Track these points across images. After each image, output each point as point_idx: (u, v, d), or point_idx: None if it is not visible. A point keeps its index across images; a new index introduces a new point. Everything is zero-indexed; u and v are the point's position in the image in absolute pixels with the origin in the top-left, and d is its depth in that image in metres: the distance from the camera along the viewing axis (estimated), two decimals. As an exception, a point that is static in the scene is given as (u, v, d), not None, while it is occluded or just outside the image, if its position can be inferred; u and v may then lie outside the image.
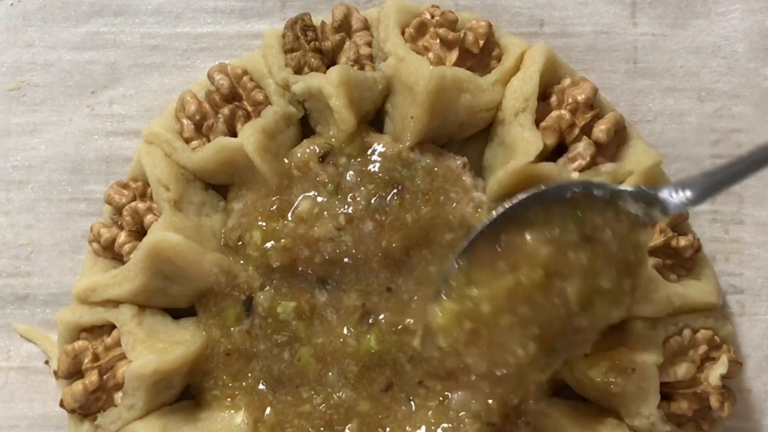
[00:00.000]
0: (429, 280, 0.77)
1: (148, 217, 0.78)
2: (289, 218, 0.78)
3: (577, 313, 0.67)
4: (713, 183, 0.66)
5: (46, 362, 0.83)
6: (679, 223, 0.79)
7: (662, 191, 0.68)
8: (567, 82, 0.79)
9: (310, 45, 0.79)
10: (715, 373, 0.75)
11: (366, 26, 0.81)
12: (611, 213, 0.68)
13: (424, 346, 0.72)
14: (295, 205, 0.78)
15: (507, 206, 0.69)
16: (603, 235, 0.67)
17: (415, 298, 0.77)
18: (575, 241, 0.67)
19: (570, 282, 0.67)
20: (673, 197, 0.67)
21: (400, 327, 0.77)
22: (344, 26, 0.80)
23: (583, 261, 0.67)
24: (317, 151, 0.79)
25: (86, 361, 0.77)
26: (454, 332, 0.69)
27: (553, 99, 0.79)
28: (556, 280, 0.67)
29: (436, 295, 0.70)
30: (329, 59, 0.80)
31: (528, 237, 0.67)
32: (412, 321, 0.77)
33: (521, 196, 0.69)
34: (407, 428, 0.78)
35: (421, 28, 0.80)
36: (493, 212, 0.69)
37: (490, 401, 0.76)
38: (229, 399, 0.78)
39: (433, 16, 0.80)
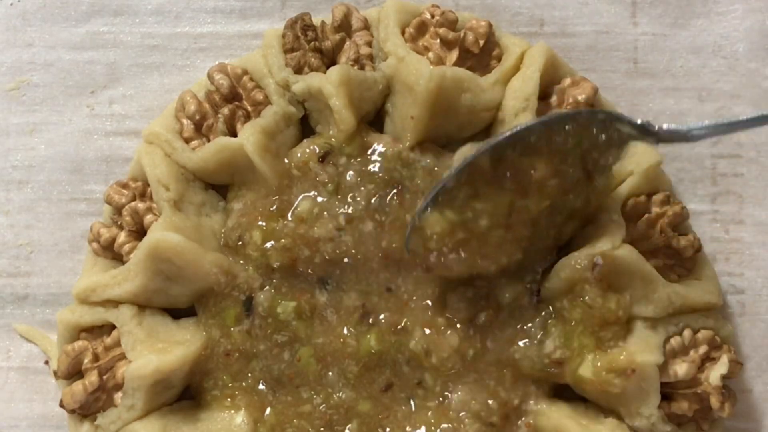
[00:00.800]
0: (428, 281, 0.77)
1: (148, 217, 0.78)
2: (289, 218, 0.78)
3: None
4: (715, 128, 0.69)
5: (46, 362, 0.83)
6: (680, 223, 0.79)
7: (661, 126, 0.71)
8: (567, 81, 0.79)
9: (310, 45, 0.79)
10: (716, 373, 0.74)
11: (366, 26, 0.81)
12: (606, 136, 0.72)
13: (411, 240, 0.75)
14: (295, 205, 0.78)
15: (514, 130, 0.70)
16: (600, 177, 0.72)
17: (414, 298, 0.77)
18: (578, 179, 0.71)
19: (567, 221, 0.74)
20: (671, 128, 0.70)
21: (399, 327, 0.77)
22: (344, 26, 0.80)
23: (577, 204, 0.73)
24: (317, 151, 0.79)
25: (86, 361, 0.77)
26: (447, 240, 0.72)
27: (554, 99, 0.79)
28: (556, 215, 0.73)
29: (431, 202, 0.72)
30: (329, 59, 0.80)
31: (538, 165, 0.70)
32: (409, 322, 0.77)
33: (529, 123, 0.71)
34: (407, 428, 0.78)
35: (421, 28, 0.80)
36: (501, 134, 0.71)
37: (490, 401, 0.76)
38: (229, 399, 0.78)
39: (433, 16, 0.80)
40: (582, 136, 0.71)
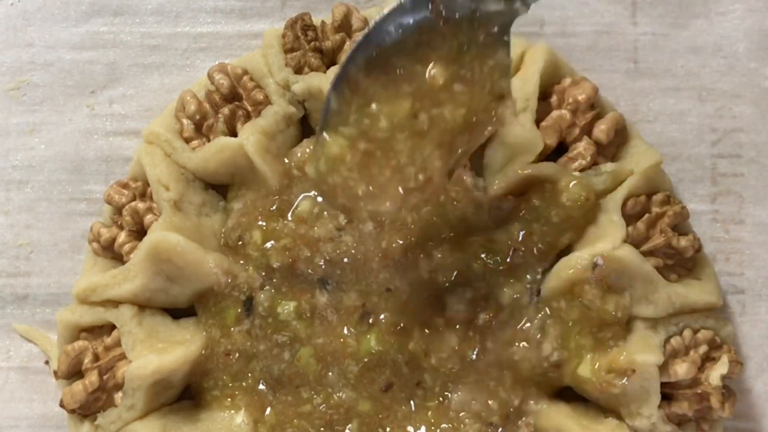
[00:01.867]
0: (428, 281, 0.77)
1: (148, 217, 0.78)
2: (289, 218, 0.78)
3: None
4: None
5: (46, 362, 0.83)
6: (680, 223, 0.79)
7: None
8: (567, 81, 0.79)
9: (310, 45, 0.79)
10: (716, 373, 0.74)
11: (366, 26, 0.81)
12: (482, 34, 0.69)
13: (317, 171, 0.71)
14: (295, 205, 0.78)
15: (372, 27, 0.68)
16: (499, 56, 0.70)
17: (414, 298, 0.77)
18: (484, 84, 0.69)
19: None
20: None
21: (399, 327, 0.77)
22: (344, 26, 0.80)
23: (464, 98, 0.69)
24: (317, 150, 0.78)
25: (86, 361, 0.77)
26: (352, 158, 0.69)
27: (554, 99, 0.79)
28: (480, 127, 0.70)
29: (325, 126, 0.69)
30: (329, 59, 0.80)
31: (434, 70, 0.68)
32: (409, 322, 0.77)
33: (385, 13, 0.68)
34: (407, 428, 0.78)
35: (422, 28, 0.80)
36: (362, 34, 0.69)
37: (490, 402, 0.76)
38: (229, 399, 0.78)
39: (433, 16, 0.80)
40: (459, 37, 0.68)
